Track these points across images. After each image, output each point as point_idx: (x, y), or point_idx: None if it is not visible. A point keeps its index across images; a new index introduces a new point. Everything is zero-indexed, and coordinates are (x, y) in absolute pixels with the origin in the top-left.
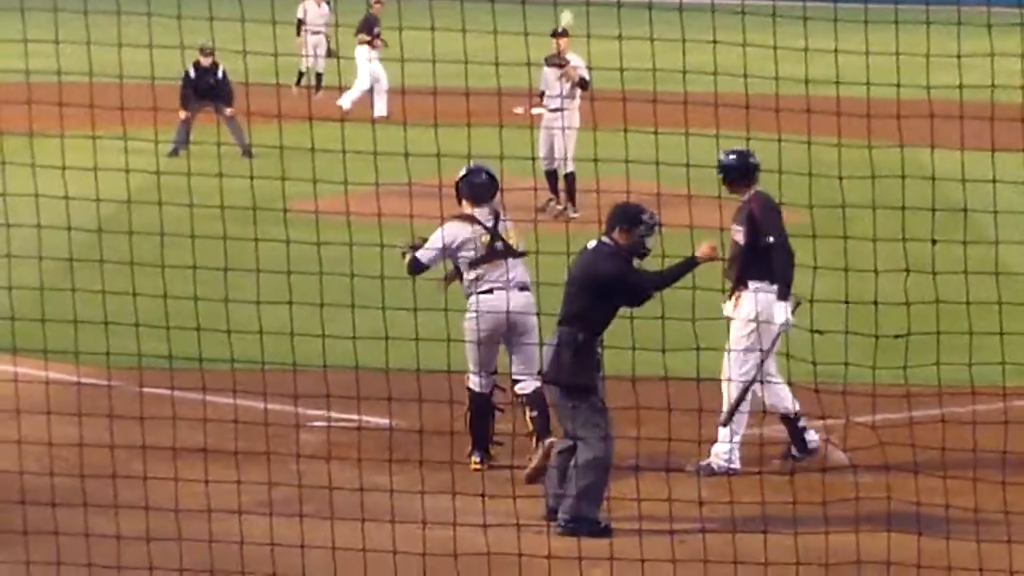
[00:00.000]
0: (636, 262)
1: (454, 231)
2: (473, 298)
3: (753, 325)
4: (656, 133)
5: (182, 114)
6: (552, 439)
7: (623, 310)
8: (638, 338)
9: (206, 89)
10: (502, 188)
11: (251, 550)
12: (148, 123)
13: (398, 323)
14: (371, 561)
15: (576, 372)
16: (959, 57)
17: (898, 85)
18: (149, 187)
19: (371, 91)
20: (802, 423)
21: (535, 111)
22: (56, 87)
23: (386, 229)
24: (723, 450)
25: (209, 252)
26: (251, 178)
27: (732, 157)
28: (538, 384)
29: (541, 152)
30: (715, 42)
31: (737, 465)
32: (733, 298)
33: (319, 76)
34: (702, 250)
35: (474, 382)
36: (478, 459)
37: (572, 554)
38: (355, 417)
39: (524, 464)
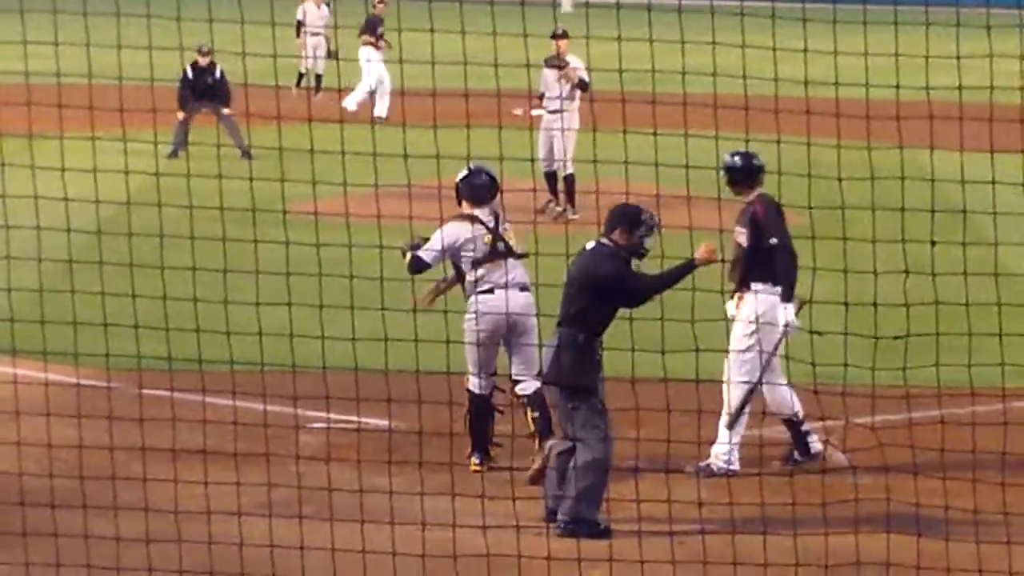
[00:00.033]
0: (635, 263)
1: (456, 231)
2: (473, 298)
3: (754, 327)
4: (655, 134)
5: (180, 115)
6: (553, 442)
7: (622, 311)
8: (637, 339)
9: (204, 89)
10: (502, 190)
11: (251, 551)
12: (147, 125)
13: (397, 324)
14: (370, 562)
15: (577, 373)
16: (958, 58)
17: (897, 86)
18: (148, 188)
19: (373, 92)
20: (805, 427)
21: (534, 112)
22: (55, 89)
23: (385, 231)
24: (722, 451)
25: (208, 253)
26: (250, 179)
27: (737, 159)
28: (538, 385)
29: (540, 154)
30: (714, 43)
31: (736, 466)
32: (735, 299)
33: (319, 77)
34: (700, 253)
35: (473, 383)
36: (477, 460)
37: (571, 555)
38: (354, 419)
39: (525, 466)
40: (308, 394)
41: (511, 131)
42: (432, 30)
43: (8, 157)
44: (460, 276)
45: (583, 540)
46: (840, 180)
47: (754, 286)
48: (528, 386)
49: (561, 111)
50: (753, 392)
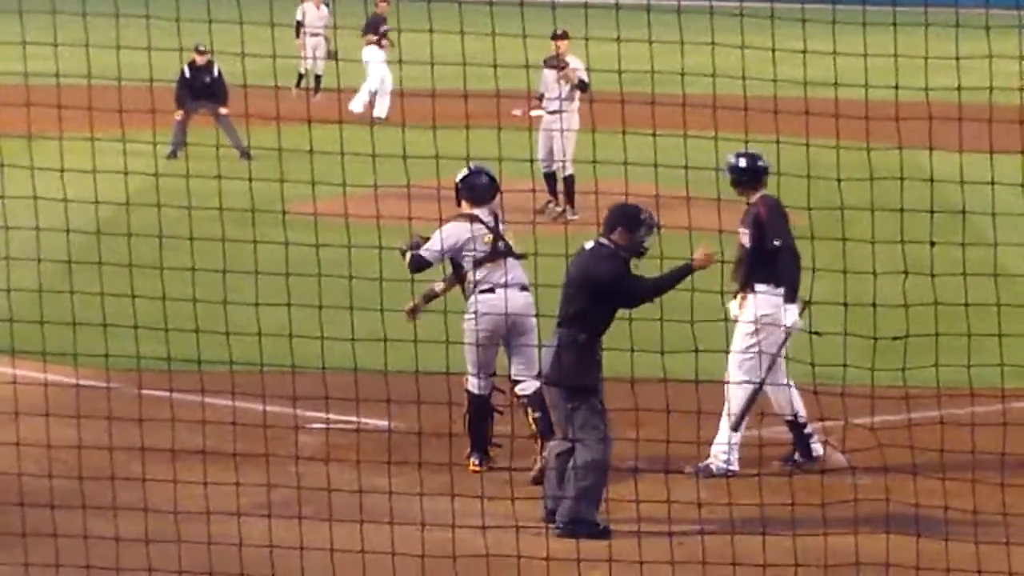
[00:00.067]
0: (634, 262)
1: (457, 230)
2: (473, 298)
3: (758, 327)
4: (655, 135)
5: (178, 114)
6: (552, 442)
7: (622, 311)
8: (637, 340)
9: (201, 88)
10: (501, 190)
11: (250, 552)
12: (147, 125)
13: (397, 325)
14: (370, 563)
15: (578, 373)
16: (957, 59)
17: (896, 87)
18: (148, 189)
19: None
20: (808, 429)
21: (534, 113)
22: (55, 89)
23: (385, 231)
24: (722, 451)
25: (208, 254)
26: (250, 180)
27: (741, 160)
28: (538, 385)
29: (540, 154)
30: (713, 44)
31: (736, 467)
32: (739, 300)
33: (318, 78)
34: (698, 256)
35: (473, 384)
36: (477, 461)
37: (571, 556)
38: (354, 419)
39: (523, 466)
40: (307, 394)
41: (510, 132)
42: (431, 30)
43: (7, 158)
44: (459, 276)
45: (582, 540)
46: (839, 181)
47: (757, 287)
48: (528, 386)
49: (560, 112)
50: (758, 393)
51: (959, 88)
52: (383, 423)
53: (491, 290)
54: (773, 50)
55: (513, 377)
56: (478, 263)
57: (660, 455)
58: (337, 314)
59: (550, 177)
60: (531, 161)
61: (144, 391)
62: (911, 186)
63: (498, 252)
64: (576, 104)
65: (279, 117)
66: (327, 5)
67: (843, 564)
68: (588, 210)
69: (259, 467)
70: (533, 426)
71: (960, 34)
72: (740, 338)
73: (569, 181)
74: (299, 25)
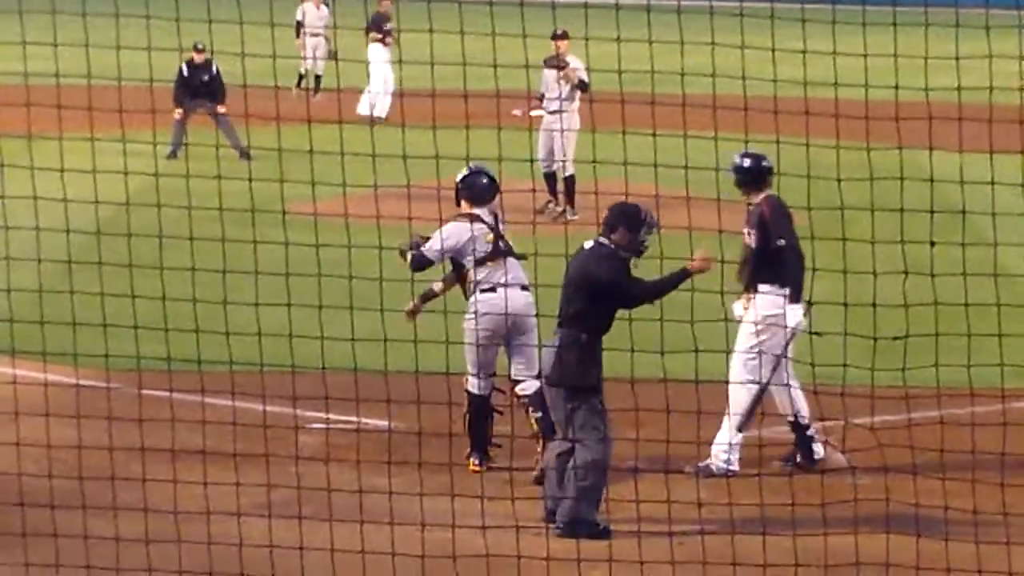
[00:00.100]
0: (633, 261)
1: (458, 230)
2: (474, 298)
3: (761, 327)
4: (655, 135)
5: (176, 113)
6: (553, 443)
7: (622, 312)
8: (637, 340)
9: (199, 86)
10: (501, 190)
11: (250, 552)
12: (147, 125)
13: (397, 325)
14: (370, 563)
15: (579, 373)
16: (957, 59)
17: (896, 87)
18: (148, 189)
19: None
20: (811, 431)
21: (534, 113)
22: (55, 89)
23: (385, 231)
24: (722, 451)
25: (208, 254)
26: (250, 180)
27: (746, 160)
28: (539, 385)
29: (540, 154)
30: (713, 44)
31: (736, 467)
32: (744, 300)
33: (318, 78)
34: (695, 261)
35: (473, 384)
36: (477, 461)
37: (571, 556)
38: (354, 419)
39: (523, 466)
40: (307, 394)
41: (510, 132)
42: (431, 31)
43: (7, 158)
44: (461, 276)
45: (582, 540)
46: (839, 181)
47: (762, 287)
48: (529, 386)
49: (561, 112)
50: (762, 393)
51: (959, 88)
52: (383, 423)
53: (492, 289)
54: (773, 50)
55: (513, 377)
56: (479, 262)
57: (660, 455)
58: (337, 314)
59: (550, 177)
60: (531, 161)
61: (144, 391)
62: (911, 186)
63: (499, 251)
64: (576, 104)
65: (279, 117)
66: (327, 5)
67: (843, 564)
68: (588, 210)
69: (259, 467)
70: (535, 426)
71: (960, 34)
72: (744, 338)
73: (570, 181)
74: (299, 25)
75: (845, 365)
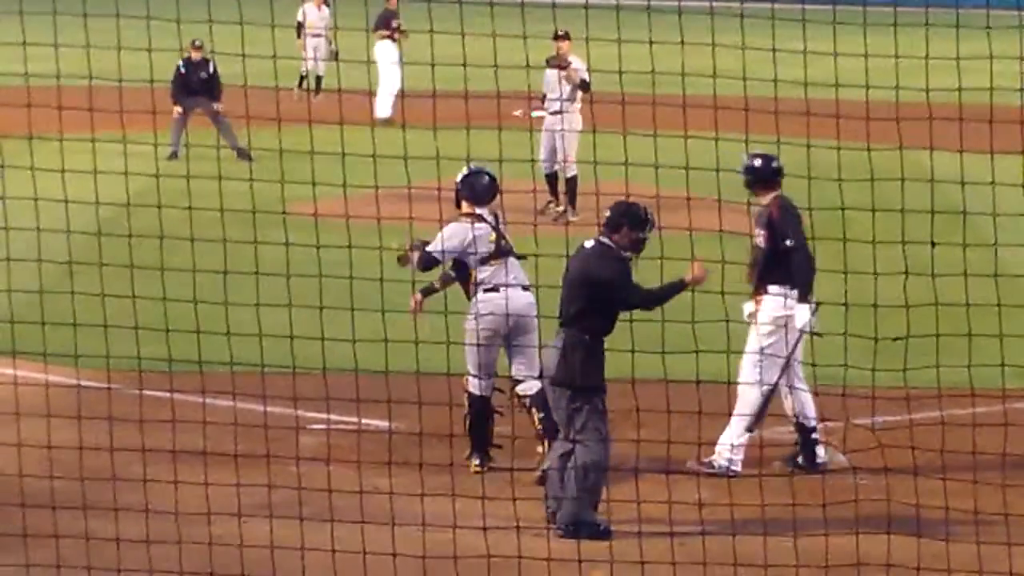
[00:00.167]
0: (633, 258)
1: (464, 229)
2: (477, 297)
3: (773, 328)
4: (655, 136)
5: (176, 110)
6: (556, 443)
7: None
8: (638, 340)
9: (197, 83)
10: (501, 191)
11: (251, 553)
12: (147, 126)
13: (397, 326)
14: (371, 563)
15: (584, 373)
16: (958, 59)
17: (897, 87)
18: (148, 190)
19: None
20: (816, 435)
21: (535, 114)
22: (55, 90)
23: (385, 232)
24: (726, 450)
25: (209, 255)
26: (250, 181)
27: (756, 161)
28: (540, 385)
29: (542, 155)
30: (714, 45)
31: (738, 467)
32: (754, 301)
33: (319, 79)
34: (694, 274)
35: (474, 385)
36: (478, 462)
37: (572, 556)
38: (355, 420)
39: (524, 467)
40: (308, 395)
41: (511, 133)
42: (432, 32)
43: (8, 159)
44: (463, 275)
45: (583, 541)
46: (840, 181)
47: (771, 288)
48: (530, 386)
49: (562, 112)
50: (773, 394)
51: (959, 88)
52: (384, 424)
53: (494, 289)
54: (774, 51)
55: (514, 377)
56: (482, 262)
57: (661, 456)
58: (338, 315)
59: (552, 177)
60: (532, 162)
61: (145, 392)
62: (912, 187)
63: (502, 251)
64: (578, 105)
65: (280, 118)
66: (328, 6)
67: (844, 564)
68: (588, 211)
69: (260, 468)
70: (538, 426)
71: (960, 34)
72: (755, 339)
73: (572, 182)
74: (300, 26)
75: (846, 366)
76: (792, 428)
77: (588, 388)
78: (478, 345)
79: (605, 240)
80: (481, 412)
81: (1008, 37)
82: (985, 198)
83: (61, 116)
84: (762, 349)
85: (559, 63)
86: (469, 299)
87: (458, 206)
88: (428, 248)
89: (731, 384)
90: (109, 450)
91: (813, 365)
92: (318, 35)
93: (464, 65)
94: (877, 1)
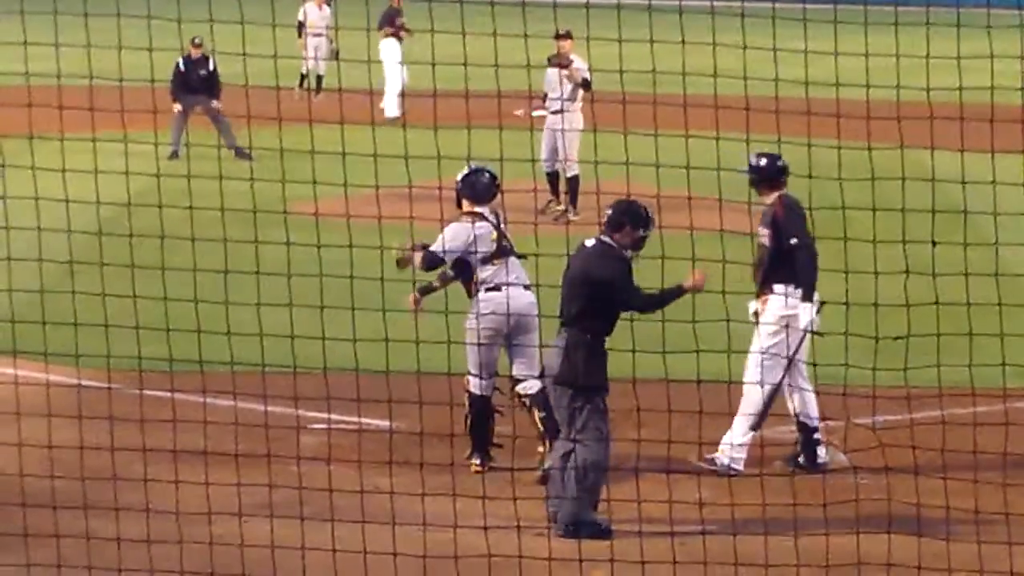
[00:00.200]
0: (633, 256)
1: (466, 229)
2: (478, 297)
3: (777, 328)
4: (656, 135)
5: (176, 107)
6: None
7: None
8: (639, 340)
9: (197, 81)
10: (502, 190)
11: (252, 552)
12: (148, 126)
13: (398, 325)
14: (371, 563)
15: (587, 372)
16: (959, 59)
17: (898, 87)
18: (149, 190)
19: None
20: (818, 435)
21: (535, 113)
22: (56, 90)
23: (386, 232)
24: (731, 448)
25: (209, 254)
26: (251, 180)
27: (762, 160)
28: (540, 384)
29: (543, 154)
30: (715, 44)
31: (740, 467)
32: (760, 301)
33: (319, 78)
34: (692, 281)
35: (474, 384)
36: (478, 461)
37: (572, 556)
38: (355, 419)
39: (524, 466)
40: (309, 395)
41: (511, 132)
42: (432, 31)
43: (9, 158)
44: (466, 275)
45: (584, 540)
46: (840, 180)
47: (776, 288)
48: (531, 386)
49: (563, 111)
50: (776, 393)
51: (960, 88)
52: (385, 423)
53: (496, 288)
54: (775, 50)
55: (515, 376)
56: (484, 261)
57: (662, 455)
58: (338, 314)
59: (552, 176)
60: (532, 161)
61: (146, 392)
62: (912, 186)
63: (503, 251)
64: (579, 104)
65: (280, 117)
66: (329, 5)
67: (845, 564)
68: (589, 210)
69: (261, 468)
70: (540, 426)
71: (961, 33)
72: (761, 338)
73: (574, 182)
74: (301, 25)
75: (847, 365)
76: (793, 427)
77: (591, 387)
78: (479, 344)
79: (606, 239)
80: (482, 412)
81: (1009, 36)
82: (986, 197)
83: (62, 116)
84: (768, 348)
85: (561, 62)
86: (470, 298)
87: (459, 205)
88: (434, 247)
89: (731, 384)
90: (110, 450)
91: (814, 364)
92: (319, 34)
93: (465, 64)
94: (878, 0)
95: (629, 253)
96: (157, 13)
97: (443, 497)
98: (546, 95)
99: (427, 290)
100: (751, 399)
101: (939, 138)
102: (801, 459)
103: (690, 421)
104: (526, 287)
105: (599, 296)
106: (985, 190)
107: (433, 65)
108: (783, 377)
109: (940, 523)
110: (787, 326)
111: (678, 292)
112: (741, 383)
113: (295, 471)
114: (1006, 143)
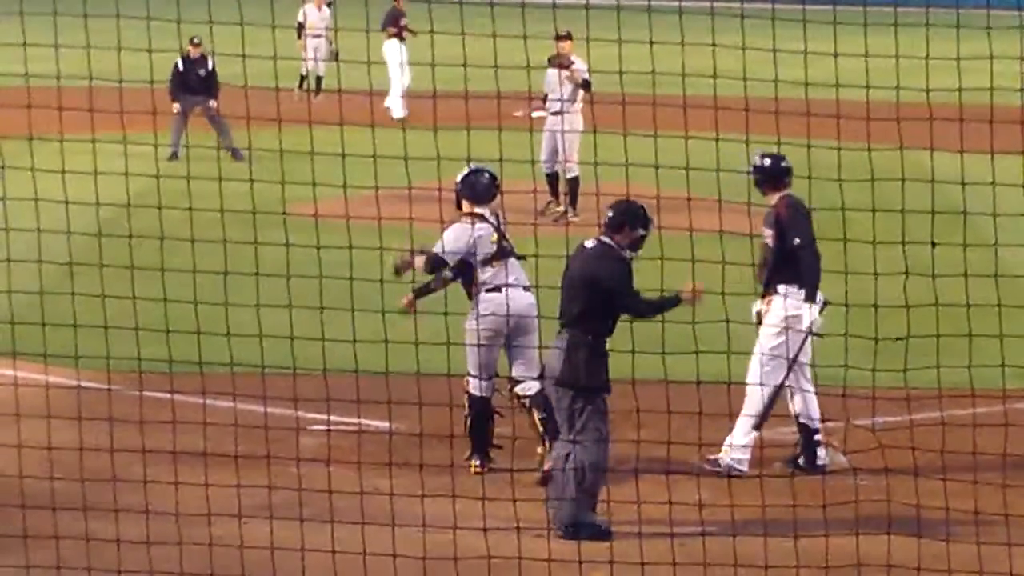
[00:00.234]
0: (631, 256)
1: (463, 231)
2: (478, 298)
3: (781, 328)
4: (656, 136)
5: (175, 107)
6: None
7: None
8: (638, 341)
9: (196, 81)
10: (502, 191)
11: (251, 554)
12: (148, 127)
13: (398, 326)
14: (371, 565)
15: (588, 373)
16: (958, 60)
17: (897, 88)
18: (149, 191)
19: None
20: (819, 437)
21: (535, 114)
22: (55, 91)
23: (386, 233)
24: (734, 449)
25: (209, 256)
26: (251, 181)
27: (766, 160)
28: (540, 386)
29: (543, 155)
30: (714, 45)
31: (744, 468)
32: (764, 302)
33: (319, 79)
34: (688, 292)
35: (474, 386)
36: (478, 463)
37: (572, 557)
38: (355, 421)
39: (524, 467)
40: (309, 396)
41: (511, 133)
42: (432, 32)
43: (8, 159)
44: (467, 276)
45: (584, 542)
46: (840, 181)
47: (780, 288)
48: (531, 387)
49: (563, 112)
50: (778, 393)
51: (960, 89)
52: (384, 425)
53: (496, 289)
54: (774, 51)
55: (514, 377)
56: (484, 263)
57: (661, 456)
58: (338, 316)
59: (552, 177)
60: (532, 162)
61: (145, 393)
62: (912, 187)
63: (503, 252)
64: (579, 105)
65: (280, 118)
66: (329, 6)
67: (844, 565)
68: (589, 211)
69: (260, 469)
70: (540, 427)
71: (961, 34)
72: (765, 339)
73: (574, 183)
74: (300, 26)
75: (846, 366)
76: (794, 428)
77: (592, 388)
78: (479, 346)
79: (606, 240)
80: (481, 413)
81: (1008, 37)
82: (985, 198)
83: (61, 117)
84: (772, 349)
85: (561, 63)
86: (470, 299)
87: (459, 206)
88: (437, 248)
89: (731, 385)
90: (109, 451)
91: (813, 366)
92: (318, 36)
93: (464, 65)
94: (877, 1)
95: (629, 254)
96: (156, 14)
97: (443, 498)
98: (546, 96)
99: (423, 291)
100: (755, 400)
101: (939, 139)
102: (801, 460)
103: (690, 422)
104: (526, 288)
105: (599, 297)
106: (985, 191)
107: (433, 66)
108: (784, 378)
109: (940, 524)
110: (787, 328)
111: (675, 301)
112: (741, 384)
113: (295, 472)
114: (1006, 144)
